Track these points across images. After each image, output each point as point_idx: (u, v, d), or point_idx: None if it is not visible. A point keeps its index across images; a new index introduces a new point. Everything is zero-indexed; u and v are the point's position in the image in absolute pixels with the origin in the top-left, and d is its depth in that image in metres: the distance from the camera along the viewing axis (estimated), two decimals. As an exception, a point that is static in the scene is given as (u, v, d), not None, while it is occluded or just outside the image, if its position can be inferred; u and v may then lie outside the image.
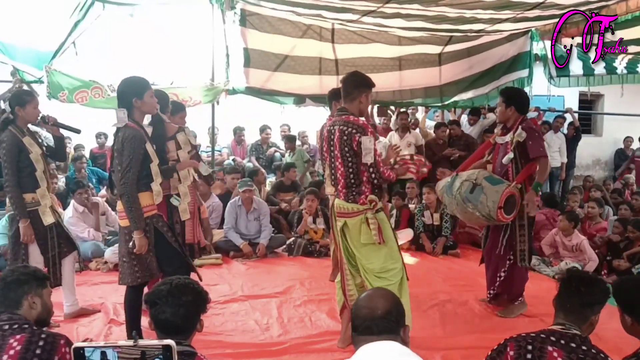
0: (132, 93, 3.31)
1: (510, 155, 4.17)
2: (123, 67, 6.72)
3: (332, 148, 3.48)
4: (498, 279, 4.44)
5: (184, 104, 5.41)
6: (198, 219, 4.39)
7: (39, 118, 4.00)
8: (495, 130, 4.65)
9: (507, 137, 4.24)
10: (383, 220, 3.46)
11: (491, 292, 4.55)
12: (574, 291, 2.22)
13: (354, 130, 3.31)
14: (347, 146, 3.34)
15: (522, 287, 4.44)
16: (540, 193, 4.23)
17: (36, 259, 3.88)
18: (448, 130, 8.03)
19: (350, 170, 3.38)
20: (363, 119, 3.41)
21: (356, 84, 3.48)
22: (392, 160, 3.80)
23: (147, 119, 3.75)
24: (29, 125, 4.02)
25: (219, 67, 7.17)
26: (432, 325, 4.19)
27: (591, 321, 2.20)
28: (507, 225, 4.23)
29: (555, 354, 2.00)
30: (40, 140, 4.13)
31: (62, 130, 4.15)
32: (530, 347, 2.04)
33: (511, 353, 2.05)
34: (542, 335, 2.08)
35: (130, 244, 3.31)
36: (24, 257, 3.87)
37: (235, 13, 6.88)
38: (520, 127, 4.15)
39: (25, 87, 6.08)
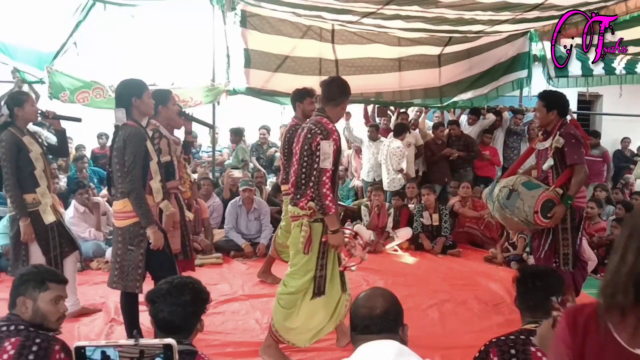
0: (131, 93, 3.34)
1: (550, 161, 4.11)
2: (124, 67, 6.75)
3: (295, 146, 3.47)
4: None
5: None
6: (181, 224, 4.06)
7: (38, 115, 4.02)
8: (539, 135, 4.49)
9: (547, 143, 4.18)
10: (317, 233, 3.35)
11: None
12: (531, 288, 2.21)
13: (318, 131, 3.27)
14: (307, 144, 3.30)
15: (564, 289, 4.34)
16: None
17: (37, 259, 3.86)
18: (447, 130, 8.05)
19: (303, 169, 3.32)
20: (333, 125, 3.34)
21: (342, 90, 3.45)
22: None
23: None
24: (29, 126, 4.04)
25: (220, 68, 7.21)
26: (432, 324, 4.22)
27: None
28: (549, 230, 4.16)
29: (539, 354, 1.97)
30: (40, 140, 4.15)
31: (63, 125, 4.17)
32: (513, 351, 2.00)
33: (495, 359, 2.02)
34: (522, 337, 2.05)
35: (144, 242, 3.31)
36: (24, 257, 3.86)
37: (235, 14, 6.90)
38: (558, 132, 4.07)
39: (26, 88, 6.11)
